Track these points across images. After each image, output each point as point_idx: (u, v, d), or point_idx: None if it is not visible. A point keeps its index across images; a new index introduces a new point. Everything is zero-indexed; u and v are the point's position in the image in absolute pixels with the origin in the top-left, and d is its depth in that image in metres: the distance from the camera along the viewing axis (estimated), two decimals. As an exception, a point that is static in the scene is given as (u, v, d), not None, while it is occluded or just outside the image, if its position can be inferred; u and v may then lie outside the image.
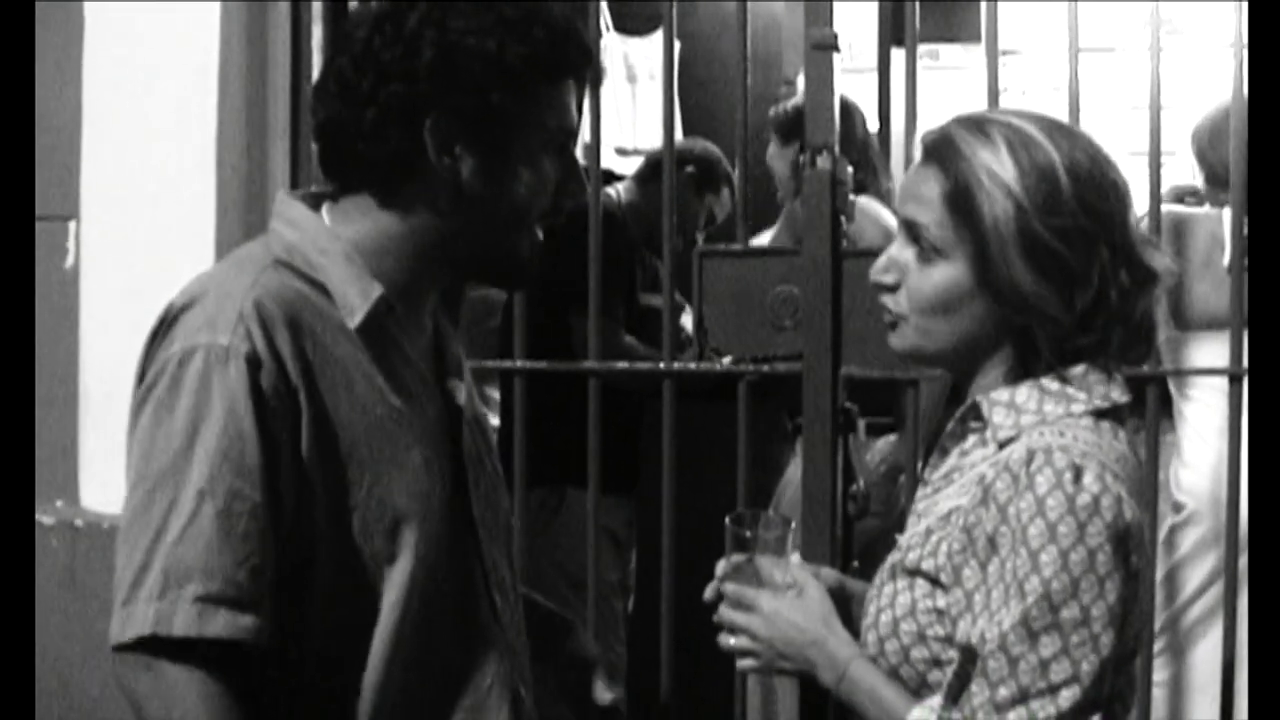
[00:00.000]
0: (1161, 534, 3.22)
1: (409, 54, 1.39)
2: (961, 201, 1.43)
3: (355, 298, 1.43)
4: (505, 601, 1.55)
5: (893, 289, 1.50)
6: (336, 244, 1.44)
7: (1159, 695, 3.19)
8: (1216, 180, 3.30)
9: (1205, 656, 3.20)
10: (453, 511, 1.48)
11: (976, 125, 1.46)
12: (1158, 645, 3.16)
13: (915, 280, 1.47)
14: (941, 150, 1.46)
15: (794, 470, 3.61)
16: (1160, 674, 3.20)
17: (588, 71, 1.50)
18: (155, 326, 1.41)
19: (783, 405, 3.43)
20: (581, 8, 2.58)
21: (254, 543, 1.33)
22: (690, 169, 3.61)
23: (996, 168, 1.42)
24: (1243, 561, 2.62)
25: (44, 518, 2.96)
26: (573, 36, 1.46)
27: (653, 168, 3.65)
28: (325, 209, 1.49)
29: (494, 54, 1.40)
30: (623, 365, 2.81)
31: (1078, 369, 1.45)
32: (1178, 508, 3.29)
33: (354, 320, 1.42)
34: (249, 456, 1.33)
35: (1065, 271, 1.41)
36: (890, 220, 3.28)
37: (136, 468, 1.36)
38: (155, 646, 1.31)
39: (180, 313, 1.39)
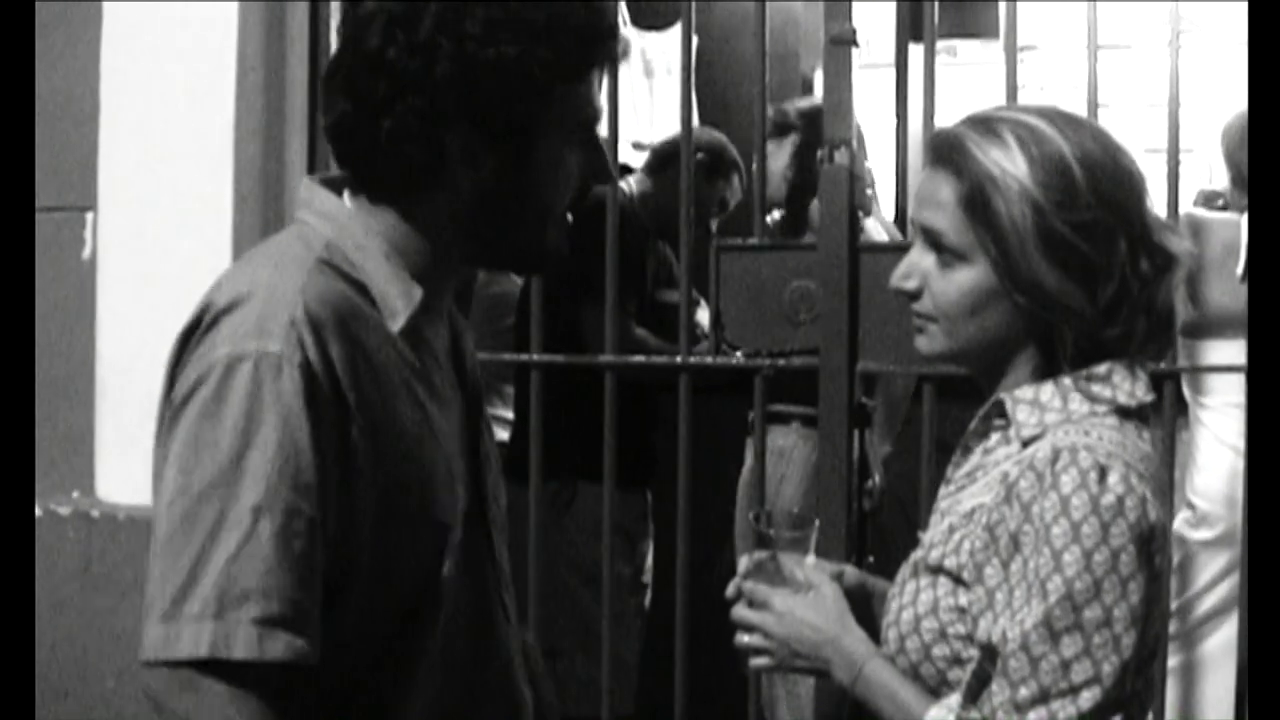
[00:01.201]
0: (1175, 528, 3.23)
1: (425, 65, 1.32)
2: (977, 204, 1.42)
3: (397, 299, 1.38)
4: (511, 601, 1.54)
5: (915, 295, 1.50)
6: (373, 240, 1.39)
7: (1169, 682, 3.19)
8: (1242, 181, 3.29)
9: (1217, 647, 3.22)
10: (470, 515, 1.46)
11: (985, 125, 1.45)
12: (1169, 631, 3.17)
13: (939, 285, 1.47)
14: (952, 153, 1.45)
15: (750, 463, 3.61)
16: (1170, 660, 3.21)
17: (618, 51, 1.44)
18: (191, 324, 1.34)
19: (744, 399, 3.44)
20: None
21: (309, 561, 1.27)
22: (700, 155, 3.61)
23: (1009, 166, 1.41)
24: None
25: (60, 509, 2.97)
26: (599, 31, 1.40)
27: (660, 159, 3.65)
28: (348, 198, 1.43)
29: (515, 63, 1.33)
30: (638, 359, 2.81)
31: (1102, 367, 1.44)
32: (1191, 508, 3.29)
33: (397, 324, 1.37)
34: (305, 472, 1.27)
35: (1087, 265, 1.40)
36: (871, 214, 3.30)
37: (178, 478, 1.28)
38: (208, 667, 1.24)
39: (223, 314, 1.31)
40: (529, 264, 1.56)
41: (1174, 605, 3.23)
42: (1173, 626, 3.23)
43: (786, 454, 3.55)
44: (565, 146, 1.41)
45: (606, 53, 1.42)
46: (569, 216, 1.46)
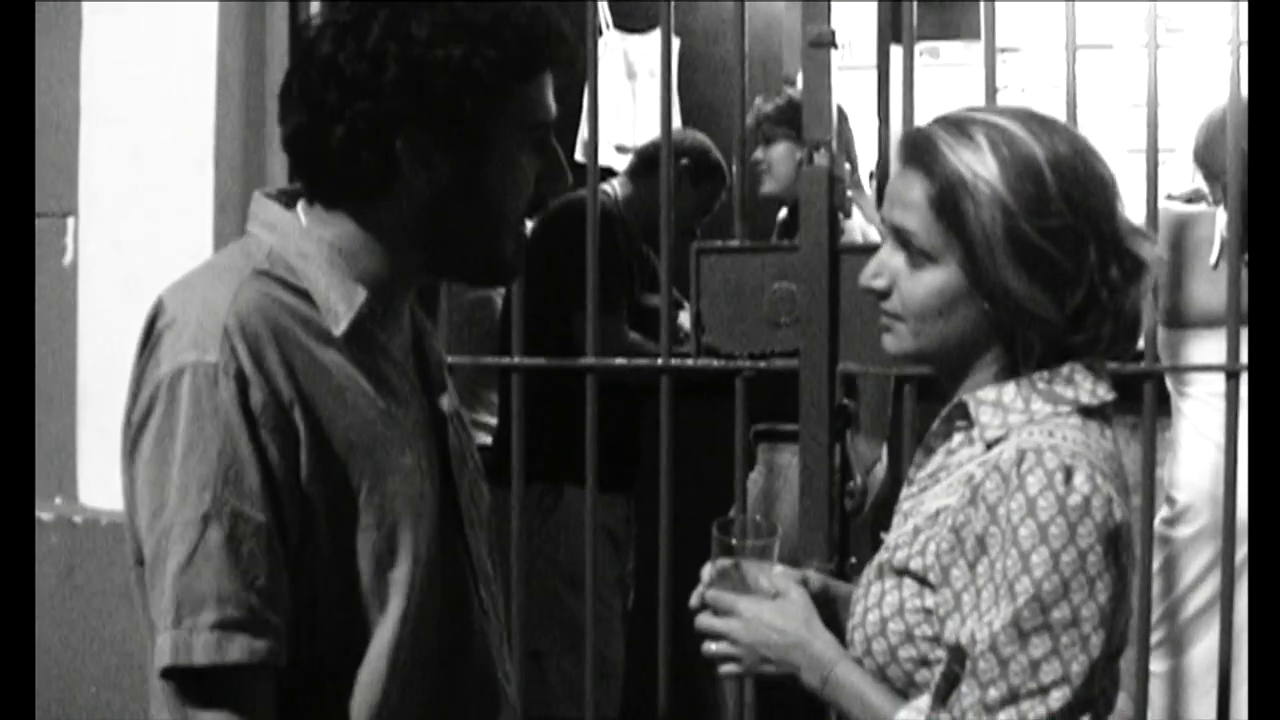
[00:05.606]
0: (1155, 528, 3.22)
1: (374, 70, 1.36)
2: (947, 205, 1.42)
3: (339, 303, 1.41)
4: (489, 595, 1.56)
5: (884, 294, 1.49)
6: (317, 247, 1.42)
7: (1157, 687, 3.18)
8: (1213, 177, 3.31)
9: (1205, 652, 3.20)
10: (443, 511, 1.48)
11: (958, 125, 1.44)
12: (1156, 636, 3.15)
13: (907, 285, 1.47)
14: (924, 153, 1.44)
15: (755, 477, 3.60)
16: (1159, 665, 3.20)
17: (567, 54, 1.45)
18: (141, 342, 1.39)
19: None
20: (579, 5, 2.58)
21: (261, 564, 1.32)
22: (684, 160, 3.61)
23: (980, 169, 1.40)
24: (1240, 554, 2.61)
25: (43, 514, 2.96)
26: (545, 31, 1.41)
27: (644, 162, 3.65)
28: (301, 208, 1.46)
29: (461, 63, 1.36)
30: (620, 361, 2.80)
31: (1065, 367, 1.44)
32: (1171, 502, 3.29)
33: (339, 327, 1.40)
34: (248, 477, 1.32)
35: (1055, 271, 1.40)
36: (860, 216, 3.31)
37: (151, 500, 1.33)
38: (179, 676, 1.31)
39: (164, 331, 1.36)
40: (485, 274, 1.57)
41: (1161, 608, 3.22)
42: (1161, 631, 3.22)
43: (782, 471, 3.54)
44: (518, 149, 1.43)
45: (554, 54, 1.43)
46: (529, 226, 1.47)
